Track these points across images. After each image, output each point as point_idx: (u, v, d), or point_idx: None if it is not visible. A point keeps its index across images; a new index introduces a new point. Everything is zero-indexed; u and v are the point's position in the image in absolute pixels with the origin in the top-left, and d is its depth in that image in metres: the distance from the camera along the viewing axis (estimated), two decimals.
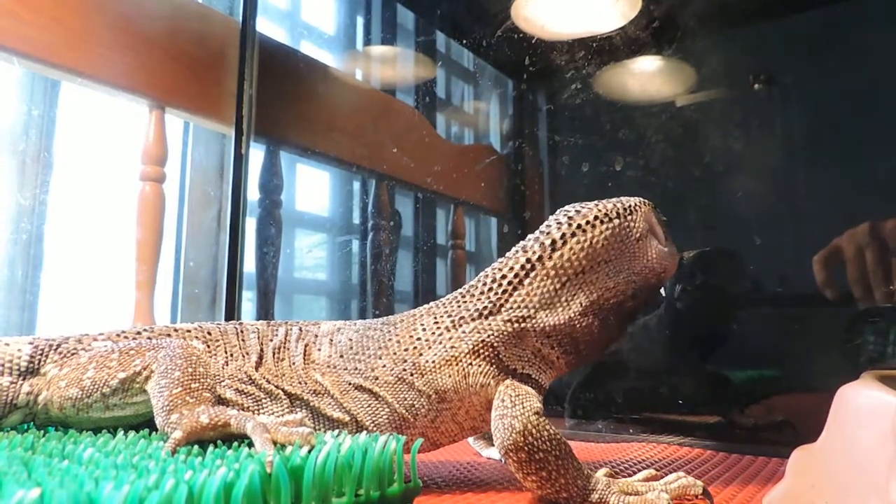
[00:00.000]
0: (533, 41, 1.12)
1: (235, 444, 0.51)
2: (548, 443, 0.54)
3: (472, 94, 1.43)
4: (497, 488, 0.62)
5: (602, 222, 0.62)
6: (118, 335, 0.64)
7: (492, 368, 0.60)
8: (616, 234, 0.62)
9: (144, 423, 0.59)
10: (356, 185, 1.45)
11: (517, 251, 0.63)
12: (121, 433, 0.56)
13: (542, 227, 0.64)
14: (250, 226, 1.27)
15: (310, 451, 0.45)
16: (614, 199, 0.65)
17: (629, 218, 0.63)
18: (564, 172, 1.13)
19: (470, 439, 0.82)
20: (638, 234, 0.62)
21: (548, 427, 0.54)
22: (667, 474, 0.58)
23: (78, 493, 0.35)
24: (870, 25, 0.91)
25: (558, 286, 0.61)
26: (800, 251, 0.94)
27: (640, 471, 0.60)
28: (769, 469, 0.72)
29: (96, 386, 0.57)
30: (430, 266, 1.37)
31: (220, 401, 0.59)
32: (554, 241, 0.61)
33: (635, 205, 0.64)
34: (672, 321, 0.95)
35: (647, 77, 1.06)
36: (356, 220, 1.43)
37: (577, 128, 1.11)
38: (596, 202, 0.65)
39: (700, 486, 0.56)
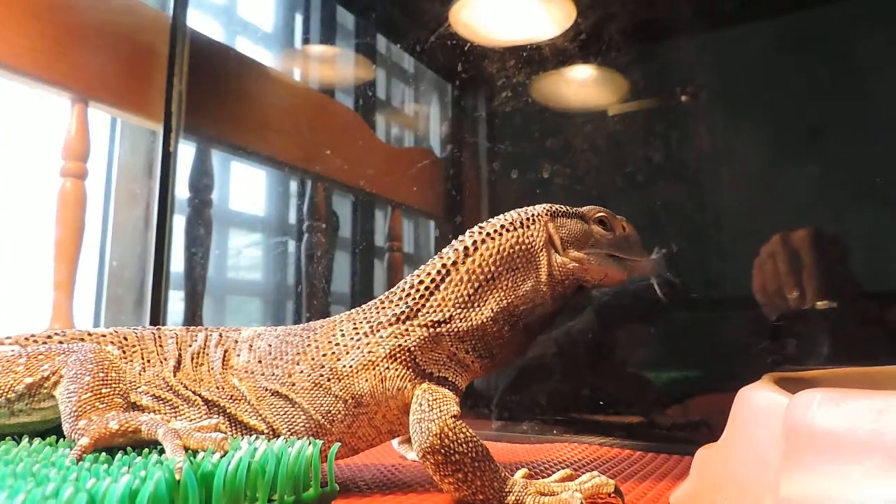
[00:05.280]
0: (466, 48, 1.13)
1: (146, 450, 0.50)
2: (464, 445, 0.55)
3: (412, 97, 1.43)
4: (418, 490, 0.63)
5: (507, 230, 0.64)
6: (27, 339, 0.62)
7: (408, 372, 0.60)
8: (520, 243, 0.64)
9: (52, 430, 0.57)
10: (292, 186, 1.44)
11: (434, 259, 0.65)
12: (25, 440, 0.54)
13: (460, 237, 0.66)
14: (179, 225, 1.24)
15: (223, 457, 0.44)
16: (521, 209, 0.67)
17: (531, 227, 0.65)
18: (495, 178, 1.15)
19: (394, 443, 0.82)
20: (541, 243, 0.65)
21: (464, 430, 0.55)
22: (583, 474, 0.59)
23: None
24: (789, 43, 0.96)
25: (471, 291, 0.62)
26: (718, 257, 0.99)
27: (558, 471, 0.62)
28: (682, 467, 0.75)
29: (1, 391, 0.55)
30: (367, 268, 1.36)
31: (137, 408, 0.58)
32: (467, 248, 0.64)
33: (536, 214, 0.66)
34: (595, 324, 0.98)
35: (575, 87, 1.09)
36: (291, 220, 1.42)
37: (508, 135, 1.13)
38: (509, 212, 0.67)
39: (612, 484, 0.57)
